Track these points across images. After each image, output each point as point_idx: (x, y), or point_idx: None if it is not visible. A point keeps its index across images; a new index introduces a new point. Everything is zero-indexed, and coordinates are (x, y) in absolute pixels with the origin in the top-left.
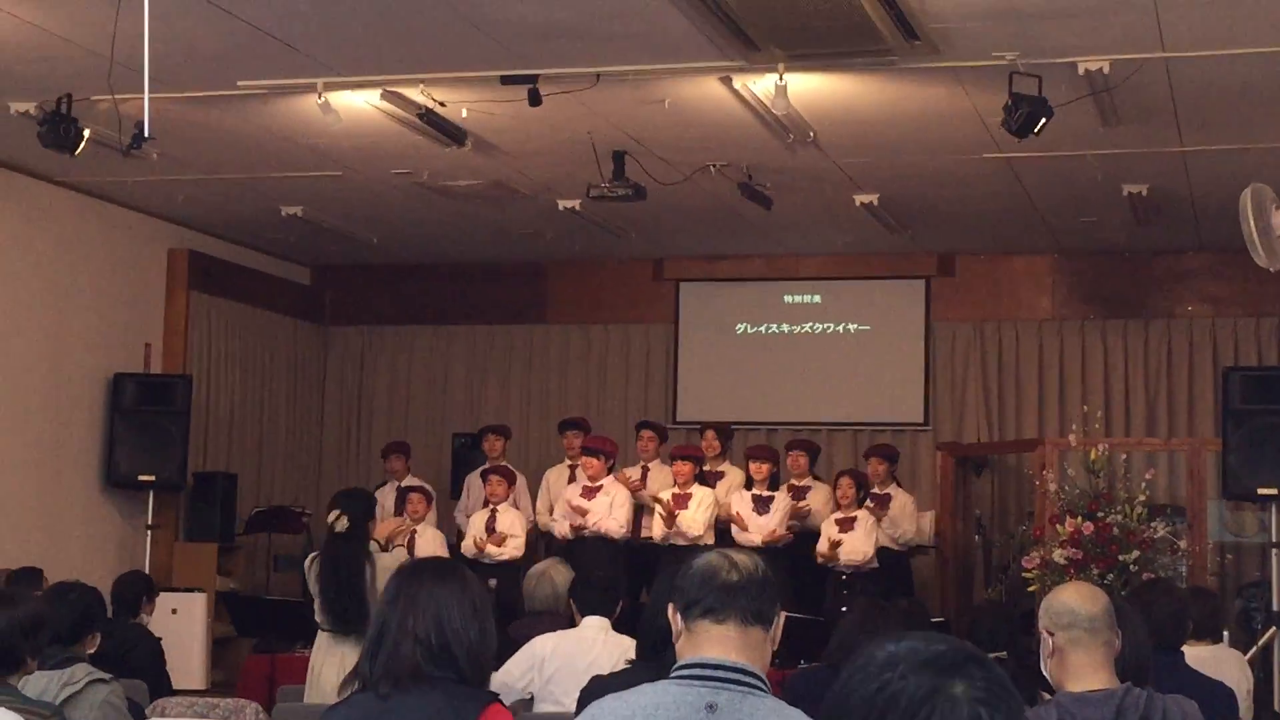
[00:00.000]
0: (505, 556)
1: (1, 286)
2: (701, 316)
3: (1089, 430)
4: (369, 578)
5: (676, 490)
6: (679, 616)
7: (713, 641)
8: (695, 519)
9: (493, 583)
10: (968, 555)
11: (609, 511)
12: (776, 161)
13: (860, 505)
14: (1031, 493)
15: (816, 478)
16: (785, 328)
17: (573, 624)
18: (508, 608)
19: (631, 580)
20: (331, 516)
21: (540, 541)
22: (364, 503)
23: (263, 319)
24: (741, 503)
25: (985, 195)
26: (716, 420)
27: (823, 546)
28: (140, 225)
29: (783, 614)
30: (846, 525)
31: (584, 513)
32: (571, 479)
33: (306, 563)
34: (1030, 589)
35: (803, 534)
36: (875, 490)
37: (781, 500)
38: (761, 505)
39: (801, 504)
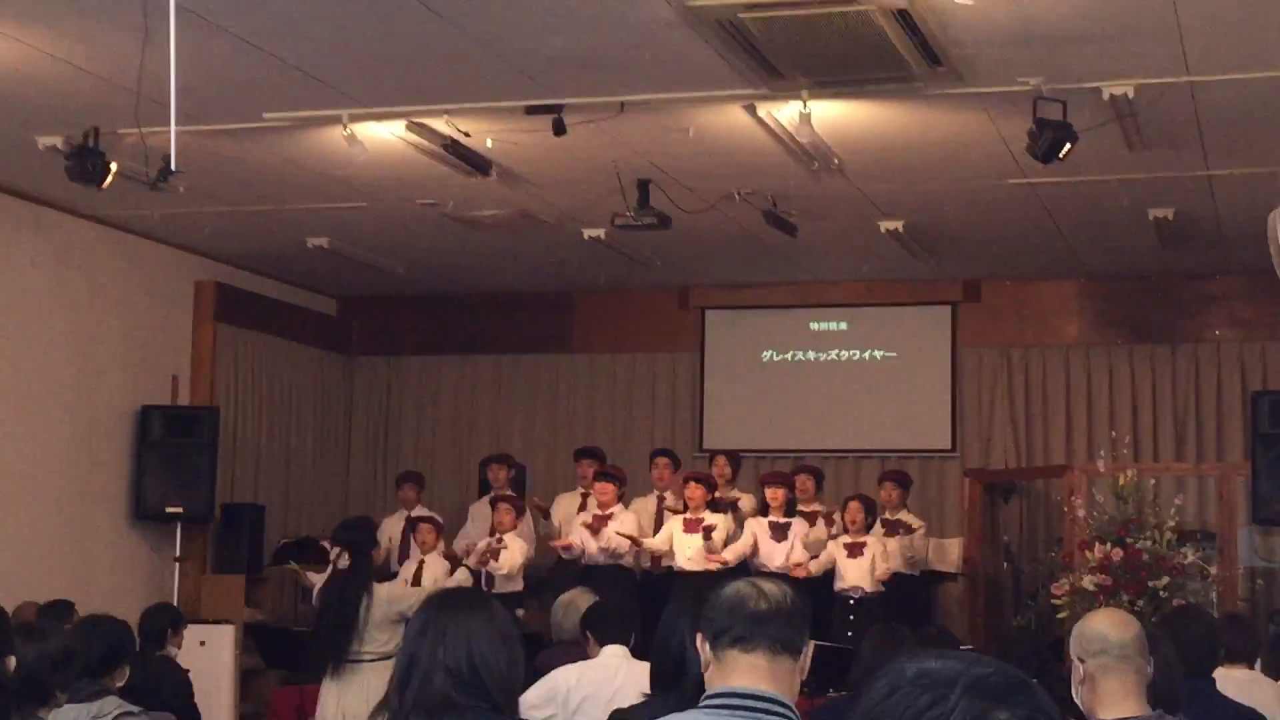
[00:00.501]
0: (503, 571)
1: (30, 320)
2: (727, 344)
3: (1117, 456)
4: (364, 608)
5: (689, 516)
6: (707, 646)
7: (741, 671)
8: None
9: (521, 613)
10: (996, 582)
11: (617, 545)
12: (801, 189)
13: (868, 530)
14: (1060, 519)
15: (821, 503)
16: (811, 355)
17: (588, 654)
18: (531, 638)
19: (646, 610)
20: (334, 554)
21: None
22: (364, 532)
23: (289, 350)
24: (758, 530)
25: (1011, 221)
26: (740, 448)
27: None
28: (167, 258)
29: (811, 643)
30: (855, 550)
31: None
32: (582, 507)
33: (315, 598)
34: (1060, 616)
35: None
36: (887, 516)
37: (799, 527)
38: (779, 532)
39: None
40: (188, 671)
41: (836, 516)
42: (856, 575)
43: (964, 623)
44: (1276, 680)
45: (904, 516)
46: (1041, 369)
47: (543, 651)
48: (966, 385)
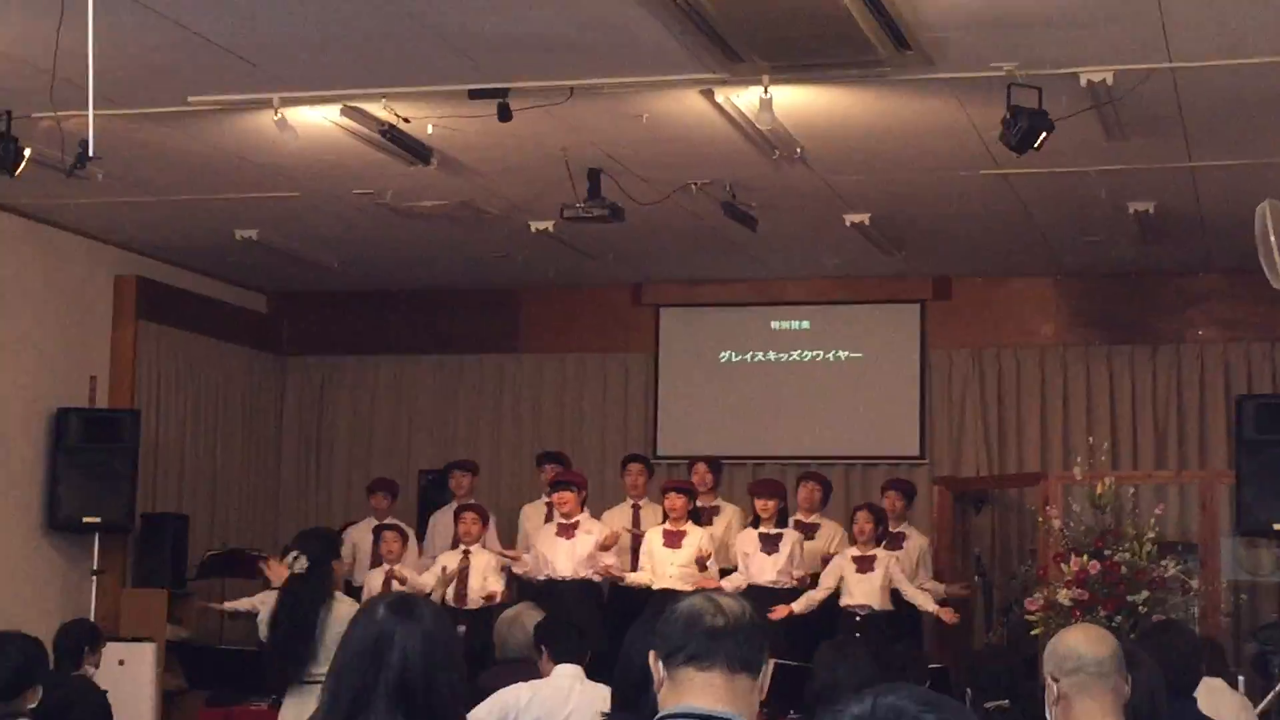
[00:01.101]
0: (484, 597)
1: None
2: (683, 344)
3: (1095, 463)
4: (320, 622)
5: (669, 527)
6: (660, 664)
7: (697, 690)
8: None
9: (461, 628)
10: (968, 597)
11: (589, 555)
12: (762, 179)
13: (879, 543)
14: (1034, 530)
15: (821, 514)
16: (772, 356)
17: (540, 673)
18: (476, 656)
19: (612, 625)
20: (290, 558)
21: (514, 583)
22: (324, 542)
23: (216, 349)
24: (747, 541)
25: (983, 214)
26: (701, 454)
27: (799, 605)
28: (85, 250)
29: (772, 661)
30: (865, 565)
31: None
32: (549, 517)
33: (261, 608)
34: (1034, 632)
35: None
36: (890, 529)
37: (791, 538)
38: (769, 544)
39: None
40: (105, 692)
41: (835, 529)
42: (865, 591)
43: (933, 639)
44: (1257, 702)
45: (906, 529)
46: (1015, 371)
47: (484, 671)
48: (936, 388)
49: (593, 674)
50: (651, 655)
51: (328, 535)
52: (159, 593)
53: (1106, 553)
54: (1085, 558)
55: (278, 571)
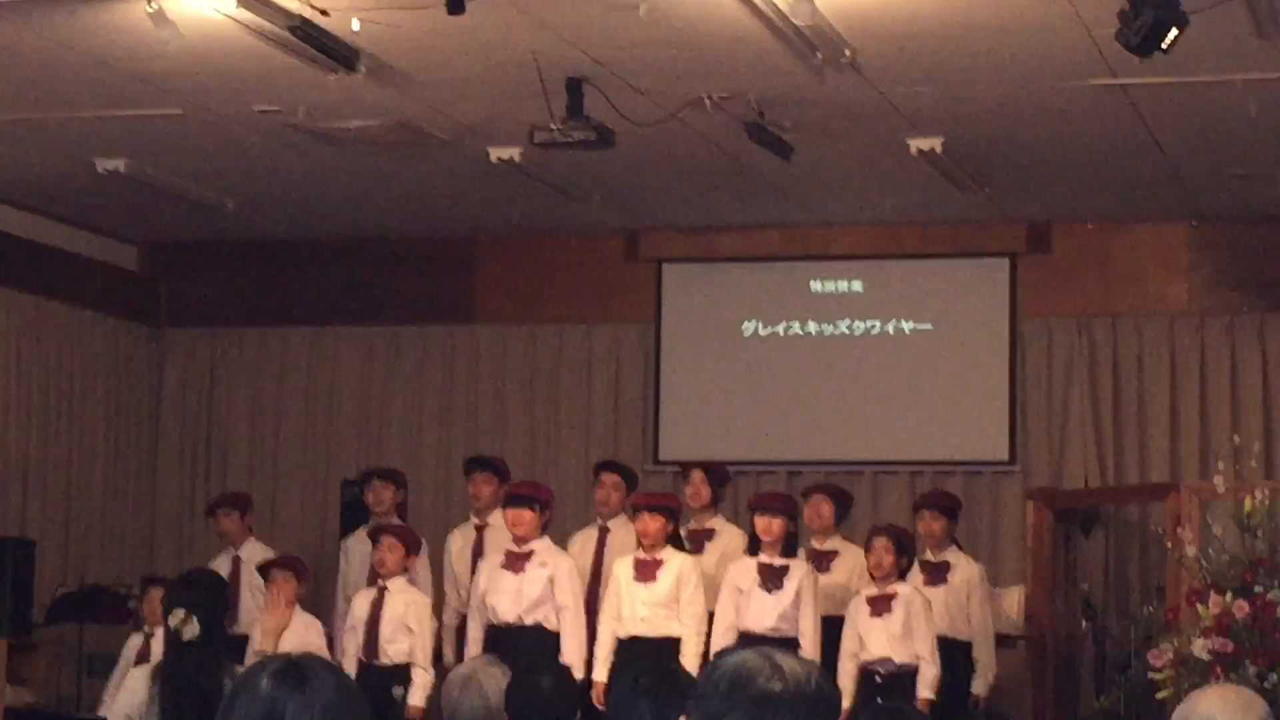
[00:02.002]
0: (399, 656)
1: None
2: (693, 313)
3: (1242, 471)
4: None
5: (641, 556)
6: None
7: None
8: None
9: (398, 692)
10: (1072, 648)
11: (541, 595)
12: (799, 92)
13: (902, 576)
14: (1161, 560)
15: (845, 538)
16: (813, 327)
17: None
18: None
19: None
20: (175, 620)
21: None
22: (214, 594)
23: (69, 319)
24: (741, 574)
25: (1093, 139)
26: (710, 459)
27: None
28: None
29: None
30: (881, 606)
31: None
32: (478, 546)
33: (128, 678)
34: (1161, 695)
35: (832, 619)
36: (929, 557)
37: (799, 571)
38: (772, 579)
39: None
40: None
41: (858, 557)
42: (883, 642)
43: (1026, 704)
44: None
45: (951, 557)
46: (1135, 347)
47: None
48: (1031, 370)
49: None
50: None
51: (214, 581)
52: None
53: (1257, 589)
54: (1229, 596)
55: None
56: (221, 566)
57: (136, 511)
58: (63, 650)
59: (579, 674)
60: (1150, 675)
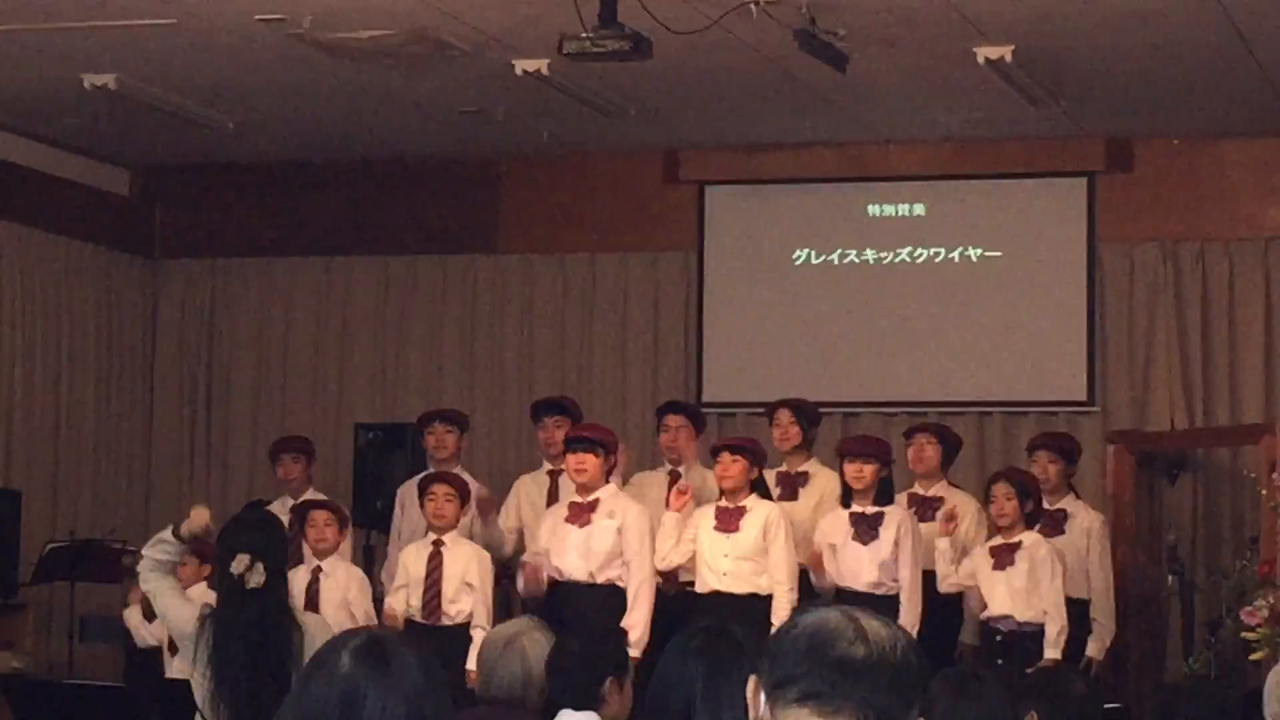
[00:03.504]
0: (461, 617)
1: None
2: (739, 239)
3: None
4: (297, 647)
5: (723, 504)
6: (762, 697)
7: None
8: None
9: (473, 669)
10: (1157, 606)
11: (612, 550)
12: None
13: (1030, 525)
14: (1255, 508)
15: (953, 484)
16: (870, 255)
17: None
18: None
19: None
20: (239, 566)
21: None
22: (277, 536)
23: (56, 250)
24: (834, 527)
25: (1179, 46)
26: (766, 400)
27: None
28: None
29: None
30: (1005, 558)
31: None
32: (553, 494)
33: (192, 627)
34: (1255, 657)
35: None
36: (1045, 505)
37: (896, 518)
38: (866, 530)
39: (950, 524)
40: None
41: (967, 504)
42: (1005, 597)
43: (1107, 665)
44: None
45: (1069, 505)
46: (1227, 275)
47: (457, 716)
48: (1111, 301)
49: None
50: (751, 683)
51: (277, 524)
52: None
53: None
54: None
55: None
56: (281, 515)
57: (131, 459)
58: (52, 611)
59: (643, 640)
60: (1243, 635)
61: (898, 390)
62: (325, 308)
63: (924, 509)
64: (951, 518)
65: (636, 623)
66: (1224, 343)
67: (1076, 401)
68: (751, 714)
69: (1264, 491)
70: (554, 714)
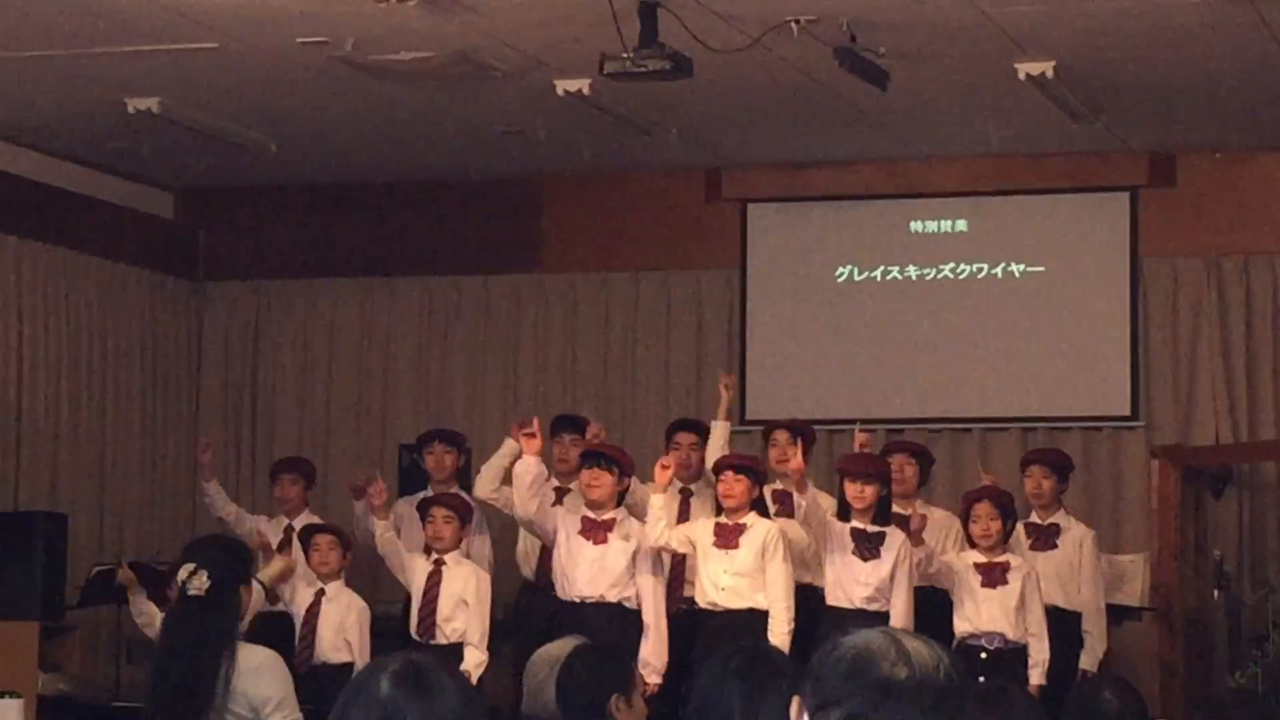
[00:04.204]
0: (455, 636)
1: None
2: (782, 257)
3: None
4: (224, 674)
5: (722, 520)
6: (805, 718)
7: None
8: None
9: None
10: (1203, 621)
11: (626, 570)
12: (896, 12)
13: (1005, 542)
14: None
15: (930, 502)
16: (913, 272)
17: None
18: None
19: (679, 665)
20: (184, 572)
21: (522, 598)
22: (233, 556)
23: (101, 273)
24: (838, 542)
25: (1221, 60)
26: (796, 418)
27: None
28: None
29: None
30: (995, 577)
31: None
32: (555, 504)
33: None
34: None
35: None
36: (1035, 519)
37: (897, 540)
38: (868, 547)
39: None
40: None
41: (948, 522)
42: (997, 615)
43: (1153, 681)
44: None
45: (1060, 519)
46: (1271, 288)
47: None
48: (1154, 315)
49: None
50: (795, 704)
51: (237, 548)
52: (26, 626)
53: None
54: None
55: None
56: (273, 534)
57: (177, 481)
58: (99, 634)
59: (655, 674)
60: None
61: (941, 407)
62: (368, 328)
63: (902, 527)
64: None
65: (655, 653)
66: (1268, 356)
67: (1120, 416)
68: None
69: None
70: None
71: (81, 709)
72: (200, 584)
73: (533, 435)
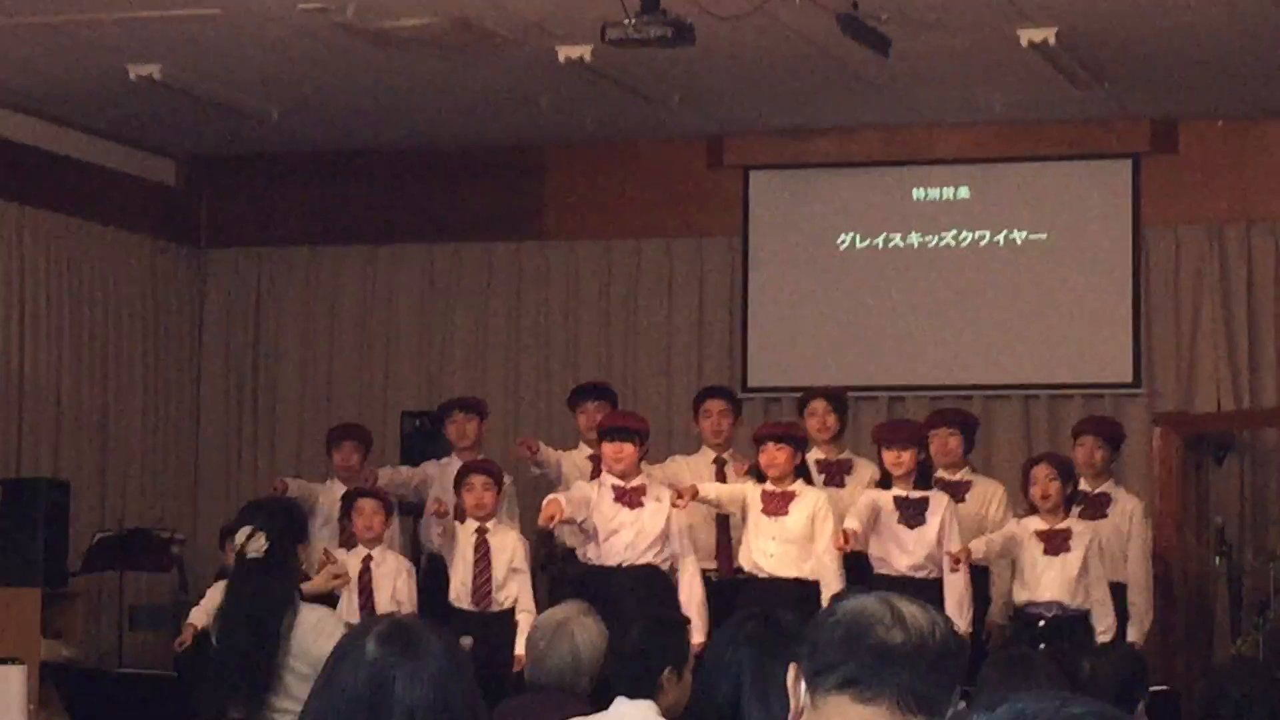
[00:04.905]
0: (509, 602)
1: None
2: (784, 224)
3: None
4: (284, 633)
5: (770, 488)
6: (803, 685)
7: None
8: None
9: (466, 641)
10: (1204, 587)
11: (664, 532)
12: None
13: (1069, 510)
14: None
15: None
16: (915, 239)
17: (600, 706)
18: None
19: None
20: (241, 535)
21: (544, 575)
22: (288, 517)
23: (103, 240)
24: (880, 511)
25: (1224, 27)
26: (815, 385)
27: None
28: None
29: (962, 704)
30: (1056, 543)
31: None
32: (595, 473)
33: (211, 590)
34: None
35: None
36: (1085, 488)
37: (941, 503)
38: (913, 514)
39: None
40: None
41: (992, 489)
42: (1055, 582)
43: (1154, 648)
44: None
45: (1110, 489)
46: (1273, 256)
47: (506, 701)
48: (1156, 283)
49: None
50: (792, 670)
51: (293, 508)
52: (29, 593)
53: None
54: None
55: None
56: (327, 499)
57: (179, 448)
58: (102, 600)
59: (700, 633)
60: None
61: (943, 374)
62: (371, 296)
63: (952, 492)
64: (847, 539)
65: (696, 615)
66: (1270, 323)
67: (1122, 383)
68: (793, 702)
69: None
70: (608, 700)
71: (84, 675)
72: (259, 546)
73: (533, 451)
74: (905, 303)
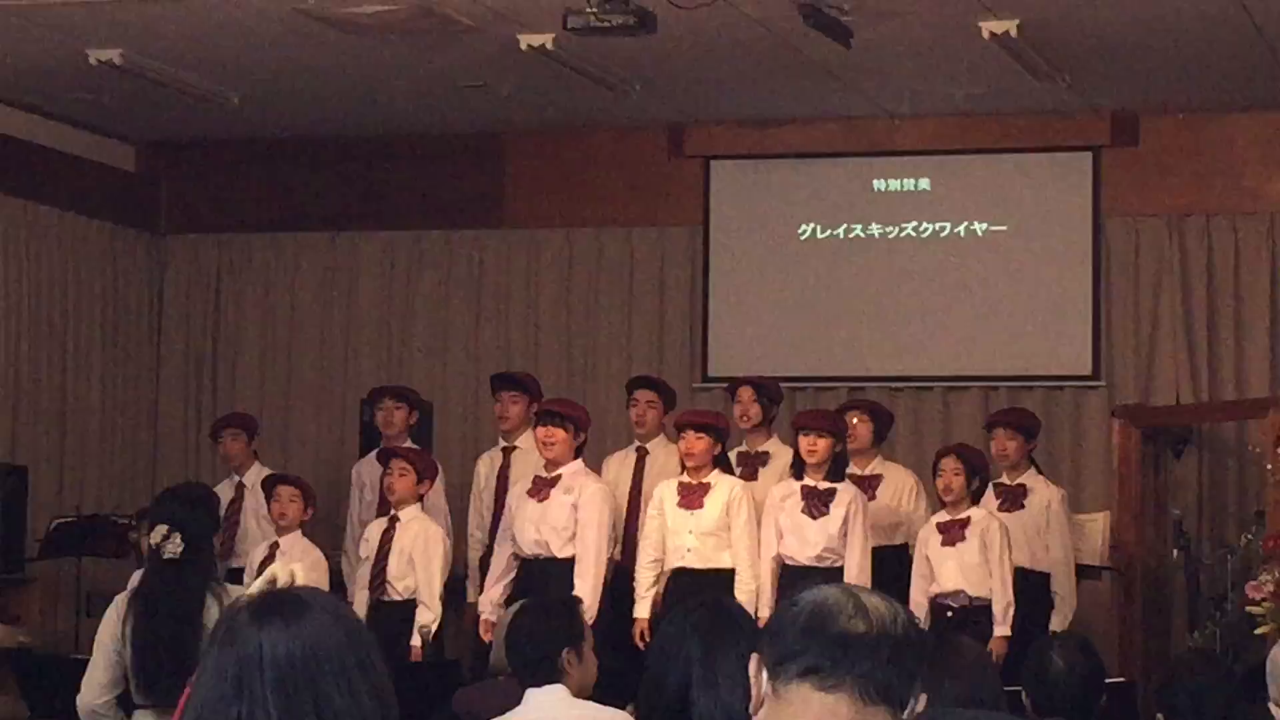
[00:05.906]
0: (408, 592)
1: None
2: (744, 213)
3: None
4: (209, 622)
5: (686, 480)
6: (764, 675)
7: (812, 718)
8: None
9: (426, 633)
10: (1162, 580)
11: (566, 525)
12: None
13: (975, 501)
14: (1260, 482)
15: (887, 459)
16: (875, 230)
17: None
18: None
19: (619, 619)
20: (156, 535)
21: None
22: (203, 510)
23: (62, 225)
24: (786, 500)
25: (1185, 20)
26: (762, 375)
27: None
28: None
29: (923, 696)
30: (954, 534)
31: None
32: (504, 468)
33: (114, 607)
34: (1260, 630)
35: (882, 551)
36: (1003, 480)
37: (848, 495)
38: (817, 504)
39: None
40: None
41: (904, 478)
42: (955, 573)
43: (1112, 640)
44: None
45: (1028, 480)
46: (1232, 250)
47: (465, 689)
48: (1116, 275)
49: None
50: (754, 661)
51: (205, 498)
52: None
53: None
54: None
55: None
56: (224, 494)
57: (137, 434)
58: (59, 586)
59: (591, 609)
60: (1248, 609)
61: (902, 365)
62: (331, 283)
63: (861, 485)
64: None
65: (584, 593)
66: (1229, 317)
67: (1081, 376)
68: (754, 691)
69: (1269, 466)
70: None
71: (41, 661)
72: (175, 548)
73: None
74: (865, 294)
